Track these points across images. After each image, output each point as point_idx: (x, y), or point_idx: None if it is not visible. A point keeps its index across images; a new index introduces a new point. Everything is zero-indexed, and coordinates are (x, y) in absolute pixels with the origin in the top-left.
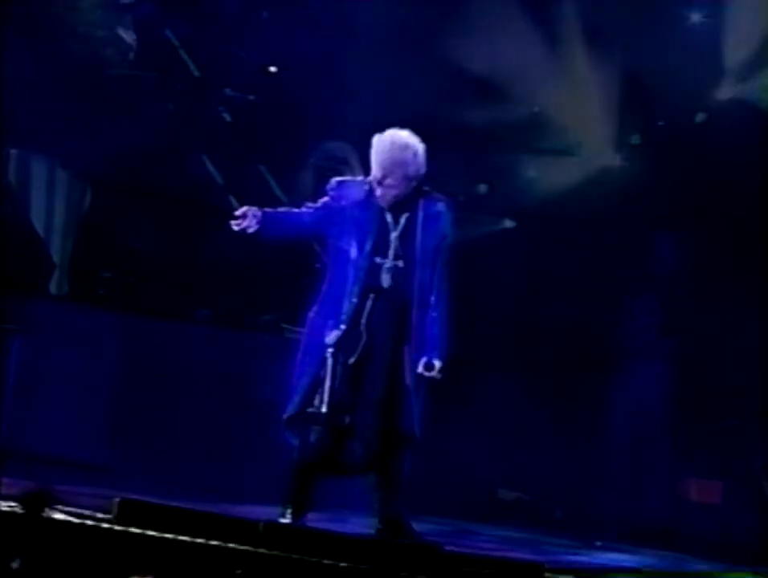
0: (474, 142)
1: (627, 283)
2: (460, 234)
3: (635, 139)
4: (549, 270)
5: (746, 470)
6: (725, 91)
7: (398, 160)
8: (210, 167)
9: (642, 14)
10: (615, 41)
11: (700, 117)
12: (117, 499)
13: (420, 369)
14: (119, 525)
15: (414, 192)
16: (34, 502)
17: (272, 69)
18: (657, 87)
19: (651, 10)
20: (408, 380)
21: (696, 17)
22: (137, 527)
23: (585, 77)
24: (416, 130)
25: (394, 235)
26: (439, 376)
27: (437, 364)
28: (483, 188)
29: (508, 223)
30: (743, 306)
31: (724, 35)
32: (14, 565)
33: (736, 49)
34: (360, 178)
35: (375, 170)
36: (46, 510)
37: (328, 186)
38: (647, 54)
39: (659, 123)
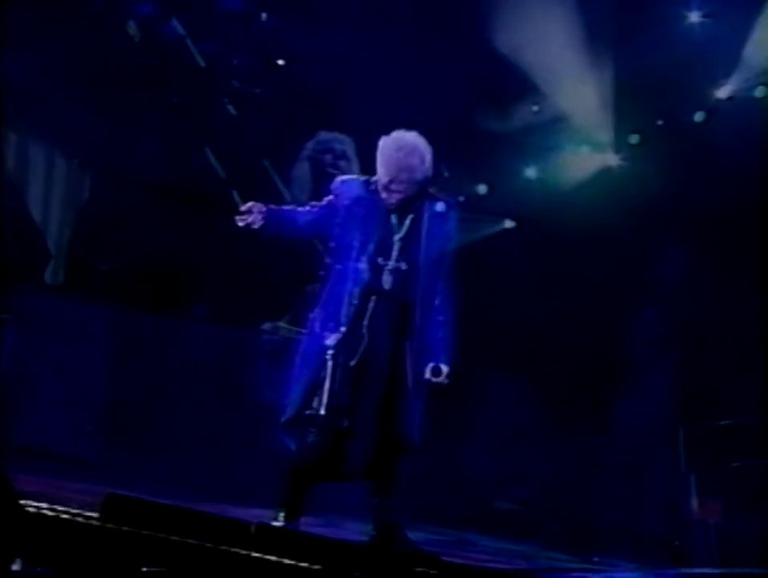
0: (474, 142)
1: (627, 284)
2: (460, 235)
3: (635, 139)
4: (548, 271)
5: (750, 487)
6: (725, 91)
7: (404, 166)
8: (213, 160)
9: (641, 13)
10: (615, 41)
11: (700, 117)
12: (103, 495)
13: (428, 375)
14: (104, 521)
15: (419, 193)
16: None
17: (280, 62)
18: (657, 87)
19: (651, 9)
20: (409, 384)
21: (695, 17)
22: (124, 524)
23: (584, 77)
24: (417, 130)
25: (397, 237)
26: (446, 381)
27: (444, 369)
28: (482, 188)
29: (508, 224)
30: (744, 307)
31: (723, 35)
32: (15, 566)
33: (736, 48)
34: (364, 177)
35: (381, 174)
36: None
37: (332, 185)
38: (648, 54)
39: (659, 123)
